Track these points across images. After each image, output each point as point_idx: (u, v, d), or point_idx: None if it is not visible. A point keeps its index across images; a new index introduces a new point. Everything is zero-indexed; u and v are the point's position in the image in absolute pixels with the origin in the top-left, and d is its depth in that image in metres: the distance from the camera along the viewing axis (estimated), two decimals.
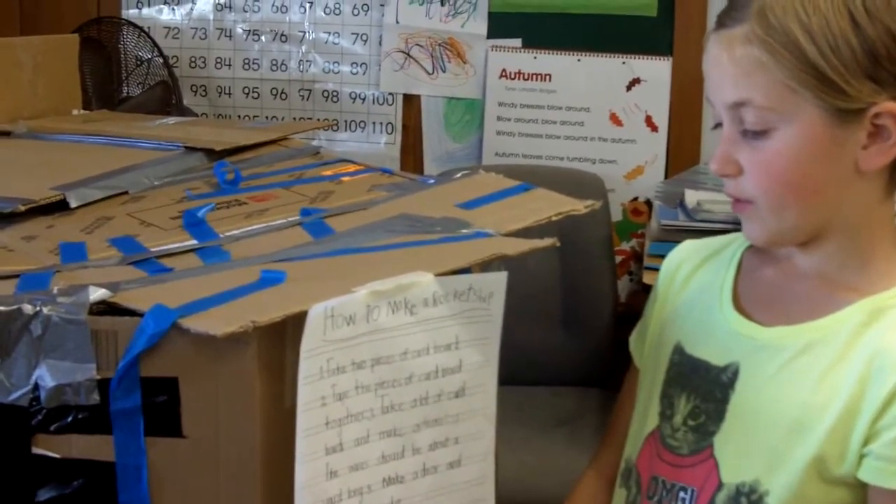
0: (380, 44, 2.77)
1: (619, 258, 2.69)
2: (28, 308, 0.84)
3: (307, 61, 2.82)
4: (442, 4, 2.73)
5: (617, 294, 2.61)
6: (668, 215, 2.20)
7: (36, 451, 0.86)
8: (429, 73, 2.77)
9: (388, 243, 1.01)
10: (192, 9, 2.84)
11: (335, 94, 2.82)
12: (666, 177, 2.66)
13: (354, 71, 2.80)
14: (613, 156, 2.72)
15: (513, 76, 2.73)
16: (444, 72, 2.76)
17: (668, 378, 1.16)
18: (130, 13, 2.84)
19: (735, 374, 1.09)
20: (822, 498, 1.03)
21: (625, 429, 1.22)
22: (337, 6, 2.78)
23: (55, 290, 0.86)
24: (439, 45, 2.75)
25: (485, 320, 0.92)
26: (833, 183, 1.03)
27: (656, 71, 2.67)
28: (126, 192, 1.20)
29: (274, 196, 1.18)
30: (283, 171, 1.30)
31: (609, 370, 2.48)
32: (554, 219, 1.07)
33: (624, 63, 2.68)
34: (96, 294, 0.85)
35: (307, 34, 2.81)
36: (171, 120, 1.75)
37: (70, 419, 0.85)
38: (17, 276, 0.94)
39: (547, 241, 0.97)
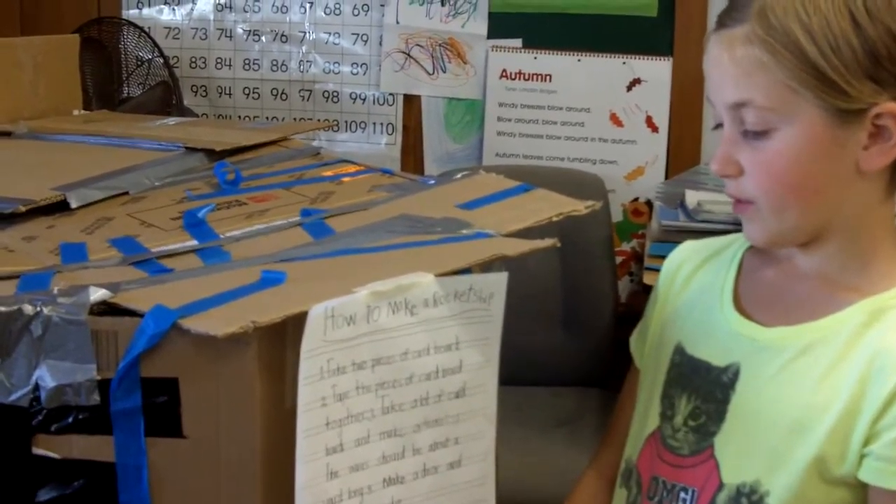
0: (380, 44, 2.77)
1: (619, 259, 2.69)
2: (28, 308, 0.84)
3: (307, 62, 2.81)
4: (442, 5, 2.73)
5: (617, 294, 2.61)
6: (668, 216, 2.20)
7: (36, 451, 0.86)
8: (429, 74, 2.77)
9: (389, 244, 1.01)
10: (192, 9, 2.84)
11: (335, 94, 2.82)
12: (666, 177, 2.66)
13: (355, 71, 2.80)
14: (614, 156, 2.72)
15: (513, 76, 2.73)
16: (444, 72, 2.76)
17: (669, 378, 1.16)
18: (131, 13, 2.84)
19: (736, 374, 1.09)
20: (822, 498, 1.03)
21: (625, 429, 1.22)
22: (337, 6, 2.78)
23: (56, 291, 0.86)
24: (439, 45, 2.75)
25: (485, 321, 0.92)
26: (834, 183, 1.03)
27: (657, 71, 2.67)
28: (126, 193, 1.20)
29: (274, 196, 1.18)
30: (284, 171, 1.30)
31: (609, 370, 2.48)
32: (554, 219, 1.07)
33: (624, 63, 2.68)
34: (97, 294, 0.85)
35: (307, 34, 2.81)
36: (172, 120, 1.75)
37: (70, 419, 0.85)
38: (17, 276, 0.94)
39: (547, 242, 0.97)
